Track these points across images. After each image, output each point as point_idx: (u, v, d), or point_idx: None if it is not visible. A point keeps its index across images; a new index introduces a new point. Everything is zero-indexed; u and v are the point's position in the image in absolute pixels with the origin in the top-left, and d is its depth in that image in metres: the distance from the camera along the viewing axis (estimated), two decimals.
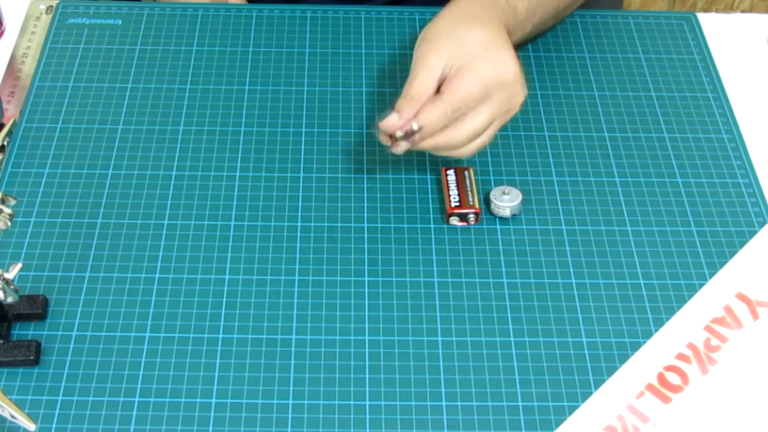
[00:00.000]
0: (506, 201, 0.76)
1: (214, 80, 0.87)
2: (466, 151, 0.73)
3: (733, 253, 0.74)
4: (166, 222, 0.75)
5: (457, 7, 0.75)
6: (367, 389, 0.66)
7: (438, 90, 0.71)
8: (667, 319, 0.70)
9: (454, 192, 0.76)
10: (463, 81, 0.69)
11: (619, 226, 0.76)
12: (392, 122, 0.70)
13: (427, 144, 0.71)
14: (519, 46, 0.77)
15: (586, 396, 0.66)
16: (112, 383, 0.66)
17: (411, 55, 0.73)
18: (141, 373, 0.66)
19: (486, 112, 0.71)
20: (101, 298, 0.70)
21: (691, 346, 0.68)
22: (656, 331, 0.70)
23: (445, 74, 0.71)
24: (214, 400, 0.65)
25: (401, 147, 0.71)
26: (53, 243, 0.74)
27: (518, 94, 0.72)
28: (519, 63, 0.71)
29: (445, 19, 0.74)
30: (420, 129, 0.69)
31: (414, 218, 0.76)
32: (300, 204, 0.77)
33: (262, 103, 0.85)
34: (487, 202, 0.77)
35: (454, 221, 0.76)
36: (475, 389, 0.66)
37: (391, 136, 0.71)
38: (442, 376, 0.67)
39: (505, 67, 0.71)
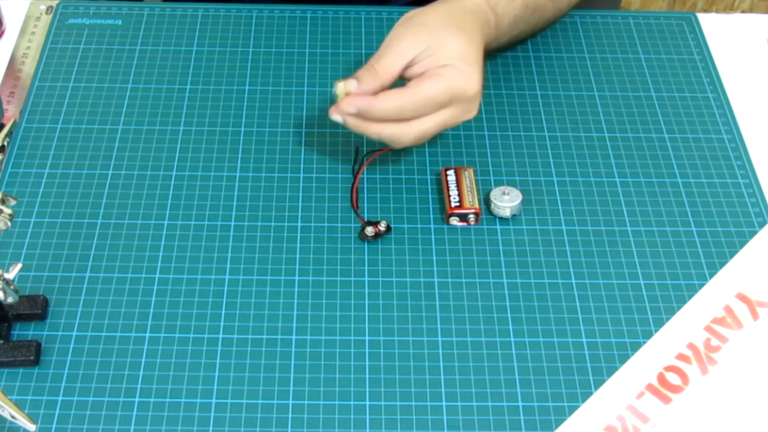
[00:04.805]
0: (506, 201, 0.76)
1: (214, 80, 0.87)
2: (400, 145, 0.74)
3: (733, 253, 0.74)
4: (166, 222, 0.75)
5: (451, 7, 0.76)
6: (367, 389, 0.66)
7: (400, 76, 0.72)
8: (667, 319, 0.70)
9: (454, 192, 0.76)
10: (432, 84, 0.71)
11: (619, 226, 0.76)
12: (351, 86, 0.71)
13: (372, 129, 0.72)
14: (488, 53, 0.79)
15: (586, 396, 0.66)
16: (112, 383, 0.66)
17: None
18: (141, 373, 0.66)
19: (440, 118, 0.72)
20: (101, 298, 0.70)
21: (691, 347, 0.68)
22: (656, 331, 0.70)
23: (412, 64, 0.72)
24: (214, 400, 0.65)
25: (338, 116, 0.71)
26: (53, 243, 0.74)
27: (473, 109, 0.74)
28: (483, 81, 0.73)
29: (434, 14, 0.75)
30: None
31: (414, 218, 0.76)
32: (300, 204, 0.77)
33: (262, 103, 0.85)
34: (487, 202, 0.77)
35: (454, 221, 0.76)
36: (475, 389, 0.66)
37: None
38: (442, 376, 0.67)
39: (473, 82, 0.72)
